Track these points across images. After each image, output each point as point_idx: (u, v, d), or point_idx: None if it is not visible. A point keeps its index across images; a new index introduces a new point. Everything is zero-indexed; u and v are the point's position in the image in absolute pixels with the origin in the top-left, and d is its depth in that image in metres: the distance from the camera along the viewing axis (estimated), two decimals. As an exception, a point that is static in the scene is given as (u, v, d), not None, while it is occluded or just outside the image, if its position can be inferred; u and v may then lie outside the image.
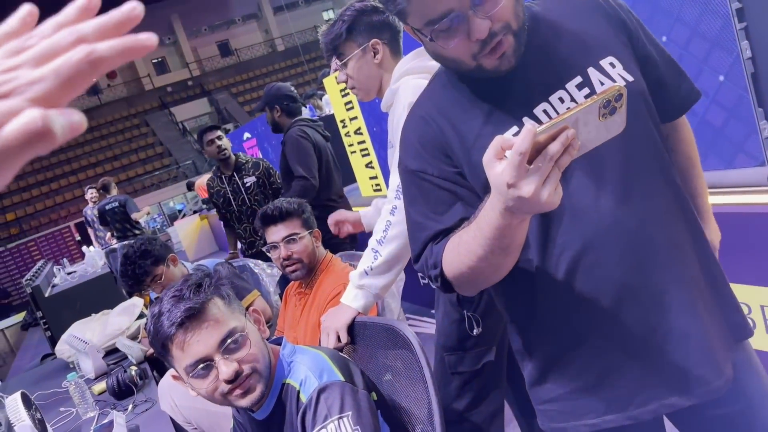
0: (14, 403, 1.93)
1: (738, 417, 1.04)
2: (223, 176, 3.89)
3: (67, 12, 0.40)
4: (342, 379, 1.21)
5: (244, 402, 1.22)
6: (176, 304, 1.19)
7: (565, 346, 1.03)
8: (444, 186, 1.02)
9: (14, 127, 0.34)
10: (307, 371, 1.23)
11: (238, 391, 1.20)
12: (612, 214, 0.96)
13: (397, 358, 1.45)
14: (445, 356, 1.77)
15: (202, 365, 1.19)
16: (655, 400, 0.99)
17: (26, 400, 1.97)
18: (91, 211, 8.50)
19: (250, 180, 3.84)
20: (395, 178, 1.56)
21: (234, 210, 3.88)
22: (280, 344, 1.35)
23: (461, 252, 0.94)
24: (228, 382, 1.18)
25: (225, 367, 1.17)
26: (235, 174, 3.86)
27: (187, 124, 22.93)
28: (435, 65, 1.09)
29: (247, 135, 7.25)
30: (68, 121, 0.36)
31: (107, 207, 7.13)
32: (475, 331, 1.71)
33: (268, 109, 3.57)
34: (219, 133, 3.85)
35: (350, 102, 4.58)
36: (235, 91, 25.03)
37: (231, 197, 3.87)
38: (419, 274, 4.22)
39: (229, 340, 1.19)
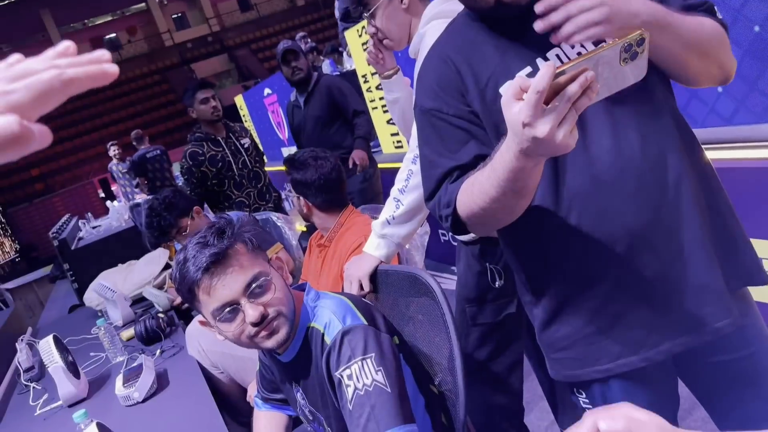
0: (47, 345, 1.99)
1: (741, 363, 1.06)
2: (218, 139, 3.46)
3: (47, 54, 0.47)
4: (365, 322, 1.23)
5: (270, 343, 1.24)
6: (201, 250, 1.21)
7: (577, 291, 1.04)
8: (459, 125, 1.03)
9: None
10: (331, 315, 1.25)
11: (263, 333, 1.23)
12: (625, 157, 0.97)
13: (419, 305, 1.46)
14: (466, 308, 1.79)
15: (228, 309, 1.21)
16: (667, 340, 1.01)
17: (58, 343, 2.04)
18: (116, 167, 8.60)
19: (246, 141, 3.54)
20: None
21: (234, 175, 3.45)
22: (303, 290, 1.37)
23: (474, 192, 0.95)
24: (254, 324, 1.21)
25: (251, 311, 1.20)
26: (231, 135, 3.50)
27: (207, 81, 22.87)
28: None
29: (267, 91, 7.21)
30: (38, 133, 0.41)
31: (149, 155, 7.21)
32: (497, 284, 1.72)
33: (303, 56, 3.61)
34: (213, 91, 3.49)
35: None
36: (255, 48, 24.82)
37: (231, 160, 3.45)
38: (440, 231, 4.23)
39: (254, 285, 1.22)
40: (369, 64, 1.87)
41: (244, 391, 2.01)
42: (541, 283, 1.08)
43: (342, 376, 1.17)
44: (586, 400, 1.15)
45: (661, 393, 1.11)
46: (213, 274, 1.20)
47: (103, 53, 0.46)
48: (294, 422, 1.59)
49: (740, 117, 2.12)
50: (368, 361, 1.17)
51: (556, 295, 1.07)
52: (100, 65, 0.45)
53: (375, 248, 1.62)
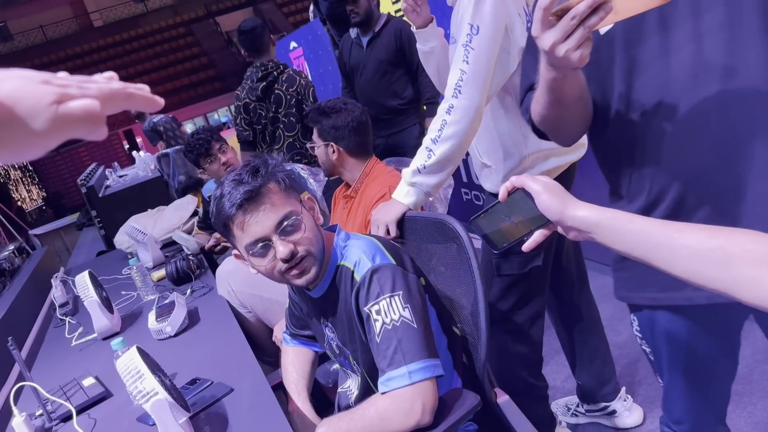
0: (83, 280, 2.07)
1: None
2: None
3: (96, 77, 0.54)
4: (393, 262, 1.27)
5: (301, 281, 1.30)
6: (236, 187, 1.25)
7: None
8: None
9: (79, 103, 0.46)
10: (361, 254, 1.29)
11: (294, 272, 1.28)
12: (702, 90, 0.95)
13: (445, 251, 1.50)
14: (492, 258, 1.82)
15: (261, 244, 1.26)
16: None
17: (93, 279, 2.12)
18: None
19: None
20: (454, 76, 1.55)
21: None
22: (334, 231, 1.41)
23: (533, 100, 1.05)
24: (284, 261, 1.26)
25: (282, 247, 1.25)
26: None
27: (232, 35, 22.72)
28: None
29: (293, 44, 7.17)
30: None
31: (155, 119, 7.35)
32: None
33: None
34: None
35: (401, 10, 4.47)
36: (280, 2, 24.55)
37: None
38: (462, 190, 4.24)
39: (285, 223, 1.26)
40: (404, 14, 1.85)
41: (271, 331, 2.08)
42: (612, 199, 1.12)
43: (370, 312, 1.22)
44: (638, 328, 1.18)
45: (712, 339, 1.12)
46: (246, 211, 1.25)
47: (144, 86, 0.56)
48: (320, 359, 1.65)
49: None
50: (396, 298, 1.21)
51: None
52: (154, 97, 0.55)
53: (404, 195, 1.65)
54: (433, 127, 1.61)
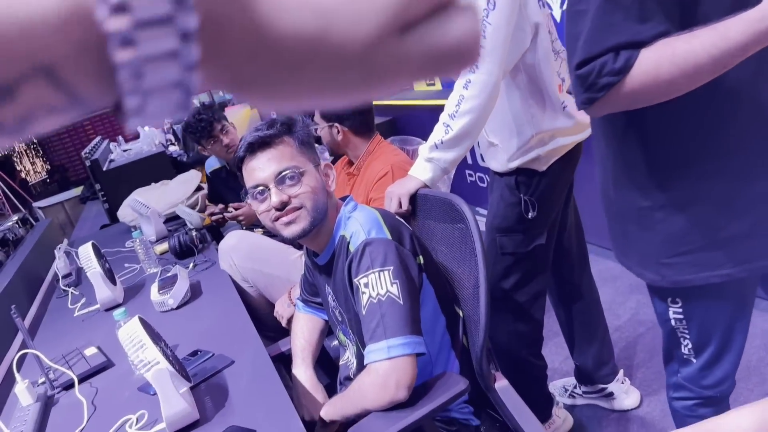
0: (86, 251, 2.08)
1: None
2: None
3: None
4: (389, 237, 1.29)
5: (287, 231, 1.34)
6: (252, 133, 1.35)
7: (711, 195, 1.08)
8: None
9: None
10: (358, 226, 1.32)
11: (283, 219, 1.33)
12: None
13: (451, 231, 1.49)
14: (497, 237, 1.82)
15: (259, 189, 1.34)
16: None
17: (96, 250, 2.12)
18: None
19: None
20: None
21: None
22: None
23: (678, 59, 0.90)
24: (276, 209, 1.32)
25: (275, 196, 1.32)
26: None
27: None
28: None
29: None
30: None
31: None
32: (530, 215, 1.74)
33: None
34: None
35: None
36: None
37: None
38: (467, 171, 4.22)
39: (284, 173, 1.32)
40: None
41: (272, 306, 2.08)
42: (676, 185, 1.10)
43: (359, 284, 1.24)
44: (679, 310, 1.21)
45: (749, 302, 1.20)
46: (253, 156, 1.34)
47: None
48: (330, 330, 1.67)
49: None
50: (386, 272, 1.23)
51: (687, 198, 1.10)
52: None
53: (421, 171, 1.64)
54: (450, 102, 1.59)
